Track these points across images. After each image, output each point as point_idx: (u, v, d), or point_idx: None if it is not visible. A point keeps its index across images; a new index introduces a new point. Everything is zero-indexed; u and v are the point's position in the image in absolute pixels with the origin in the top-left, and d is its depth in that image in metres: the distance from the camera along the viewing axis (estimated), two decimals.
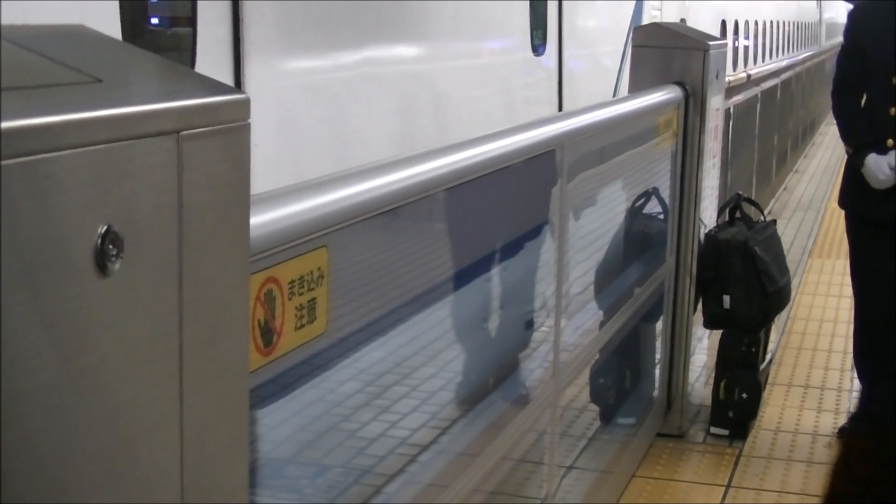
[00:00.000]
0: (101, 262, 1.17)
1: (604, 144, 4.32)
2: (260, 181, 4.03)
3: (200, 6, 3.90)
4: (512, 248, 3.44)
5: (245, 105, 1.39)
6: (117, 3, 3.47)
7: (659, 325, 5.46)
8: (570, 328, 4.01)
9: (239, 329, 1.44)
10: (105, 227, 1.18)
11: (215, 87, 1.38)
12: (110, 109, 1.19)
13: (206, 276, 1.36)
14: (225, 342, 1.42)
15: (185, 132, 1.28)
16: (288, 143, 4.50)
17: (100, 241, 1.17)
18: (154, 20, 4.13)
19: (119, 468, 1.24)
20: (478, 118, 6.34)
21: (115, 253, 1.19)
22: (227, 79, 3.99)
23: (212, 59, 3.94)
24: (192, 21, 3.89)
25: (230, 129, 1.37)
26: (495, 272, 3.30)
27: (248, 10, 4.05)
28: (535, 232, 3.61)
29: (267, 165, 4.15)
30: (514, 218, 3.43)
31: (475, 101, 6.65)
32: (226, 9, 3.99)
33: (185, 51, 3.93)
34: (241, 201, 1.41)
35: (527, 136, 3.32)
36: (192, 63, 3.85)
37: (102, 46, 1.39)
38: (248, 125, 1.40)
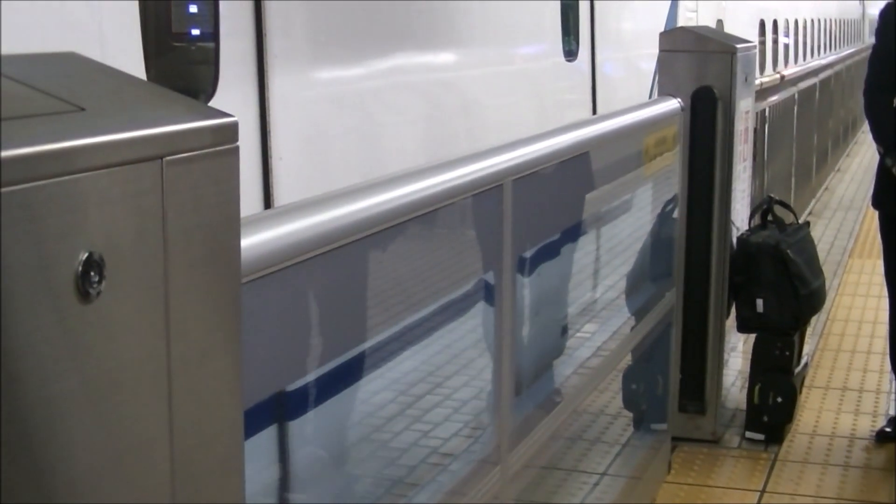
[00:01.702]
0: (83, 288, 1.19)
1: (569, 175, 3.64)
2: (285, 194, 4.06)
3: (223, 19, 3.92)
4: (436, 319, 2.72)
5: (232, 129, 1.40)
6: (139, 22, 3.50)
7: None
8: (525, 404, 3.32)
9: (231, 350, 1.46)
10: (86, 254, 1.19)
11: (201, 111, 1.39)
12: (90, 138, 1.20)
13: (195, 299, 1.37)
14: (216, 363, 1.43)
15: (168, 157, 1.29)
16: (315, 154, 4.51)
17: (81, 267, 1.18)
18: (195, 31, 4.16)
19: (106, 492, 1.26)
20: (510, 125, 6.34)
21: (96, 279, 1.20)
22: (251, 92, 4.01)
23: (235, 72, 3.96)
24: (214, 35, 3.91)
25: (217, 152, 1.38)
26: (414, 353, 2.62)
27: (271, 22, 4.07)
28: (469, 295, 2.89)
29: (292, 178, 4.17)
30: (439, 278, 2.74)
31: (507, 108, 6.65)
32: (249, 22, 4.01)
33: (211, 64, 3.95)
34: (231, 223, 1.42)
35: (457, 173, 2.69)
36: (216, 77, 3.87)
37: (91, 74, 1.40)
38: (237, 148, 1.41)
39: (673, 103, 4.85)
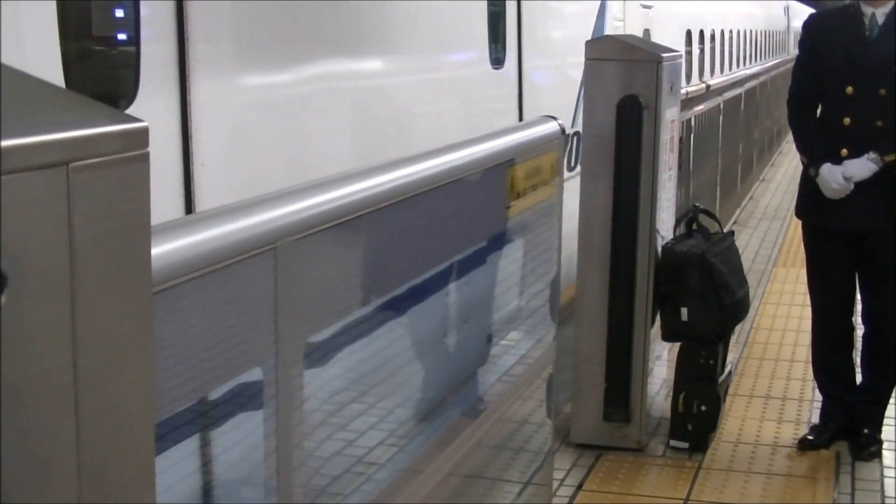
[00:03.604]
0: None
1: (385, 229, 2.73)
2: (207, 200, 4.01)
3: (144, 23, 3.87)
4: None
5: (143, 134, 1.36)
6: (56, 24, 3.44)
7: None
8: None
9: (142, 361, 1.41)
10: None
11: (110, 115, 1.35)
12: None
13: (104, 309, 1.33)
14: (126, 375, 1.39)
15: (75, 163, 1.25)
16: (239, 161, 4.46)
17: None
18: (120, 35, 4.10)
19: None
20: (437, 132, 6.32)
21: None
22: (173, 96, 3.96)
23: (156, 76, 3.90)
24: (135, 39, 3.85)
25: (126, 158, 1.34)
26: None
27: (193, 26, 4.02)
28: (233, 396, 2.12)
29: (215, 185, 4.12)
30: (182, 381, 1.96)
31: (434, 116, 6.63)
32: (171, 26, 3.96)
33: (132, 68, 3.90)
34: (141, 232, 1.38)
35: (213, 233, 1.96)
36: (136, 81, 3.82)
37: None
38: (147, 154, 1.37)
39: (550, 126, 4.01)
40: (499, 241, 3.68)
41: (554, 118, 4.06)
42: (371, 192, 2.60)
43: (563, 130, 4.05)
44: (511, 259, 3.87)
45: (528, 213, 3.82)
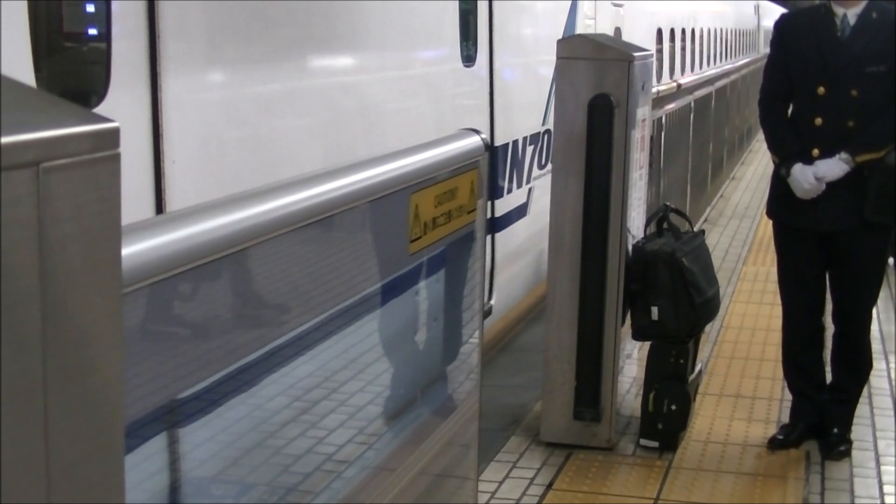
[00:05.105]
0: None
1: (226, 281, 2.13)
2: (178, 198, 3.99)
3: (115, 20, 3.84)
4: None
5: (114, 134, 1.35)
6: (26, 19, 3.41)
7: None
8: None
9: (112, 362, 1.40)
10: None
11: (81, 116, 1.34)
12: None
13: (73, 310, 1.32)
14: (97, 375, 1.38)
15: (45, 164, 1.24)
16: (210, 158, 4.44)
17: None
18: (91, 31, 4.08)
19: None
20: (409, 130, 6.31)
21: None
22: (143, 93, 3.94)
23: (127, 73, 3.88)
24: (106, 35, 3.83)
25: (97, 159, 1.32)
26: None
27: (165, 23, 4.00)
28: None
29: (186, 183, 4.10)
30: None
31: (405, 113, 6.62)
32: (142, 22, 3.94)
33: (103, 65, 3.87)
34: (112, 232, 1.37)
35: None
36: (107, 78, 3.80)
37: None
38: (118, 154, 1.36)
39: (471, 141, 3.35)
40: (398, 285, 3.06)
41: (476, 131, 3.42)
42: (225, 232, 2.01)
43: (486, 146, 3.40)
44: (415, 305, 3.27)
45: (439, 245, 3.16)
